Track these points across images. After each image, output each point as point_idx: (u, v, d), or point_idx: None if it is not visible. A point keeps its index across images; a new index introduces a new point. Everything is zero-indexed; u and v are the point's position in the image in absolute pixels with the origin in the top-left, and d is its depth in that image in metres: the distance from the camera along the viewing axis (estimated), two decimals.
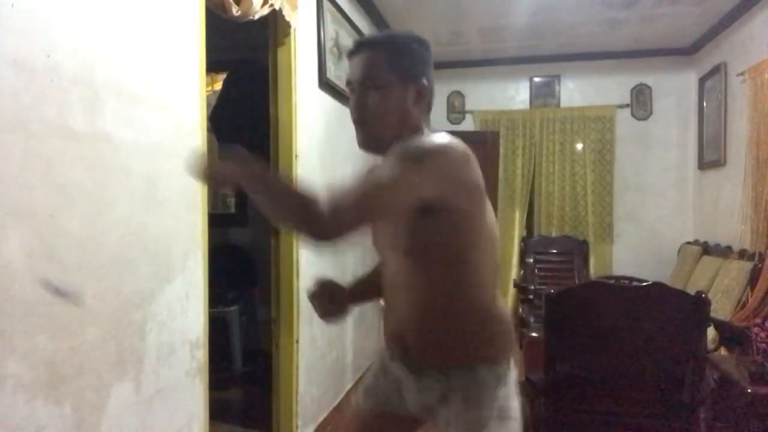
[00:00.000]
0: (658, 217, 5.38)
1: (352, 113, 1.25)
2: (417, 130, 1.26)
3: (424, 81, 1.26)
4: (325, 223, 0.99)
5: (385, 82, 1.22)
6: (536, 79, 5.60)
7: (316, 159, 3.01)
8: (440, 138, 1.16)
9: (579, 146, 5.48)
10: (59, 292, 1.27)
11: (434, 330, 1.24)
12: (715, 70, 4.64)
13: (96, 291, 1.41)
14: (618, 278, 2.28)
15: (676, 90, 5.32)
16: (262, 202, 1.05)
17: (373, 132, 1.24)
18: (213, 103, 4.29)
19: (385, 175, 1.08)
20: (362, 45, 1.27)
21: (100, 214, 1.43)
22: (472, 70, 5.63)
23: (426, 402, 1.26)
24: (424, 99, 1.27)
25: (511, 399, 1.24)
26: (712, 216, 4.77)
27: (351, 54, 1.28)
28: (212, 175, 1.10)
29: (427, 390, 1.25)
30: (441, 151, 1.14)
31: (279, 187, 1.07)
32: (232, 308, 3.94)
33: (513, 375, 1.28)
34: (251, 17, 2.12)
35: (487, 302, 1.24)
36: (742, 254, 3.82)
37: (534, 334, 3.33)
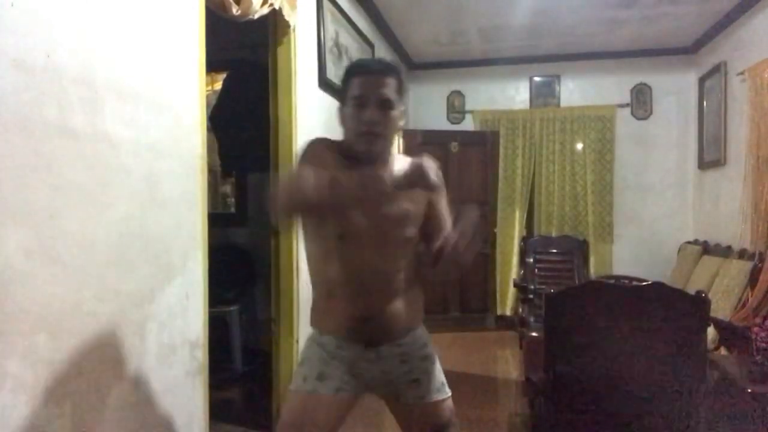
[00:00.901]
0: (658, 217, 5.38)
1: (367, 125, 1.44)
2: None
3: (404, 107, 1.55)
4: None
5: (396, 105, 1.47)
6: (536, 79, 5.60)
7: None
8: None
9: (579, 146, 5.48)
10: None
11: (406, 304, 1.55)
12: (715, 70, 4.64)
13: (96, 291, 1.40)
14: (618, 278, 2.28)
15: (676, 90, 5.32)
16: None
17: (382, 144, 1.48)
18: (213, 103, 4.29)
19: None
20: (380, 69, 1.49)
21: (100, 214, 1.43)
22: (472, 70, 5.63)
23: (386, 368, 1.54)
24: (402, 122, 1.55)
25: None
26: (712, 216, 4.77)
27: (366, 72, 1.48)
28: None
29: (387, 359, 1.54)
30: None
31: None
32: (232, 308, 3.93)
33: None
34: (251, 17, 2.12)
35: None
36: (742, 254, 3.82)
37: (534, 334, 3.32)
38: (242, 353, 3.97)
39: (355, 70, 1.52)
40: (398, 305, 1.53)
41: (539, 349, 2.25)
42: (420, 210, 1.53)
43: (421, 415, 1.56)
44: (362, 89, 1.46)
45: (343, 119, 1.53)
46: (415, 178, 1.36)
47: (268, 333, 2.80)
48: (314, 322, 1.59)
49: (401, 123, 1.53)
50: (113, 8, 1.48)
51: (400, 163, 1.52)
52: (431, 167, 1.39)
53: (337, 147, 1.54)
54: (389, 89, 1.45)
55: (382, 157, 1.50)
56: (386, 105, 1.45)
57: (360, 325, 1.51)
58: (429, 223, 1.55)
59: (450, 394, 1.59)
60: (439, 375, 1.60)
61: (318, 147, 1.56)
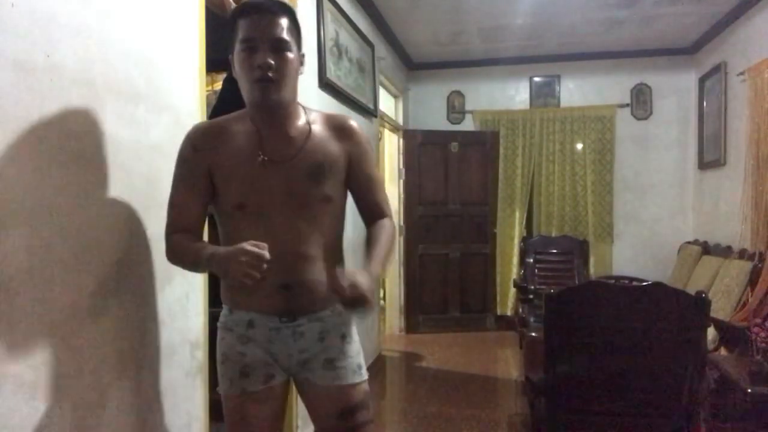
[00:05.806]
0: (658, 217, 5.38)
1: (261, 69, 1.30)
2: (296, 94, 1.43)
3: (302, 51, 1.42)
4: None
5: (291, 47, 1.34)
6: (536, 79, 5.60)
7: None
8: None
9: (579, 146, 5.48)
10: None
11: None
12: (715, 70, 4.65)
13: (96, 291, 1.40)
14: (618, 278, 2.28)
15: (676, 90, 5.33)
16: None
17: (279, 90, 1.33)
18: (213, 103, 4.28)
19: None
20: (269, 8, 1.33)
21: (100, 214, 1.43)
22: (472, 70, 5.64)
23: (303, 346, 1.42)
24: (302, 67, 1.42)
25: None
26: (712, 216, 4.77)
27: (251, 13, 1.32)
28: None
29: (306, 335, 1.42)
30: None
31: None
32: None
33: None
34: None
35: None
36: (742, 254, 3.82)
37: (534, 334, 3.32)
38: None
39: (242, 10, 1.35)
40: (319, 272, 1.37)
41: (539, 349, 2.25)
42: (338, 163, 1.41)
43: (332, 398, 1.43)
44: (252, 31, 1.31)
45: (235, 68, 1.36)
46: (336, 130, 1.40)
47: None
48: (225, 298, 1.46)
49: (301, 69, 1.40)
50: (113, 8, 1.48)
51: (313, 115, 1.44)
52: (353, 126, 1.45)
53: (235, 117, 1.43)
54: (283, 29, 1.32)
55: (285, 107, 1.37)
56: (281, 46, 1.31)
57: (275, 293, 1.36)
58: (356, 185, 1.46)
59: (366, 377, 1.47)
60: (357, 357, 1.46)
61: (194, 142, 1.43)
